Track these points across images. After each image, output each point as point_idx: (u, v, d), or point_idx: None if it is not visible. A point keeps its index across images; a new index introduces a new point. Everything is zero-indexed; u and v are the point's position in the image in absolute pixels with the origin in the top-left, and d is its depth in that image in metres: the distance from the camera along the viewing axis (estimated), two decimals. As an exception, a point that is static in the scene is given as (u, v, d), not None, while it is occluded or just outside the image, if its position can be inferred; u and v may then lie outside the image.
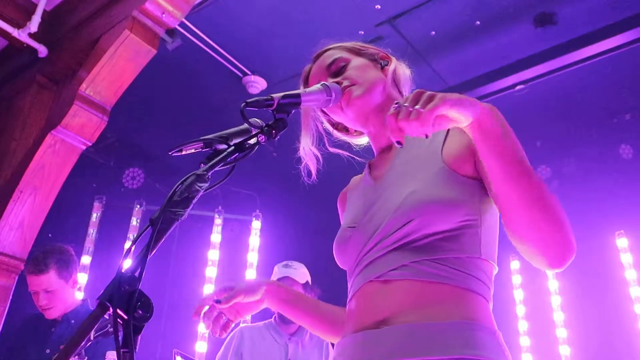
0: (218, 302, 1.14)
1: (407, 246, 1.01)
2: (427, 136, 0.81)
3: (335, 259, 1.19)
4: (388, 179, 1.15)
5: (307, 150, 1.28)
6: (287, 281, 2.97)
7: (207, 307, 1.18)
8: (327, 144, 1.32)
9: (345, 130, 1.35)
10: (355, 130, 1.34)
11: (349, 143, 1.36)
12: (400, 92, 1.29)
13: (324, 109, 1.27)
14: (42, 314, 2.72)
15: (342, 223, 1.24)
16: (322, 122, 1.32)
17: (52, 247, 2.76)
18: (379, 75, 1.24)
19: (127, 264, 0.77)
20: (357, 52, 1.27)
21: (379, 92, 1.22)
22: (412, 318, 0.95)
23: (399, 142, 0.82)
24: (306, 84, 1.30)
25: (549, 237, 0.91)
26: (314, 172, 1.28)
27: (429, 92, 0.83)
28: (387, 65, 1.27)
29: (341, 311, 1.24)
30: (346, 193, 1.35)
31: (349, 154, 1.37)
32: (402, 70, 1.31)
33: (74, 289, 2.79)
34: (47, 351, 2.63)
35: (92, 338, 2.60)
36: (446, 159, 1.07)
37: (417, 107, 0.81)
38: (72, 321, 2.71)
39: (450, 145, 1.10)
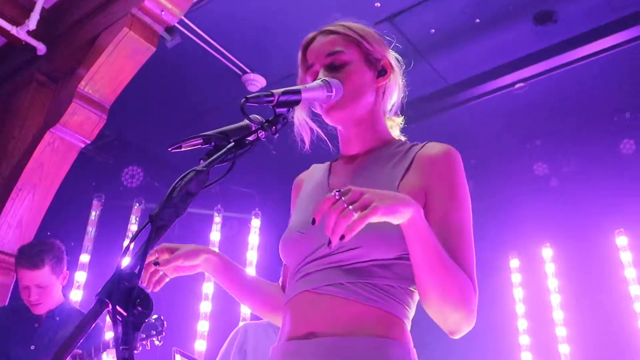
0: (156, 264, 1.16)
1: (346, 267, 1.07)
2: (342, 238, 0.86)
3: (280, 253, 1.22)
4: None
5: (301, 120, 1.28)
6: None
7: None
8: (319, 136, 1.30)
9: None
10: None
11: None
12: (384, 103, 1.28)
13: None
14: (25, 306, 2.67)
15: (291, 216, 1.26)
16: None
17: (45, 242, 2.71)
18: (371, 86, 1.22)
19: (126, 260, 0.76)
20: (362, 52, 1.22)
21: (364, 105, 1.21)
22: (336, 332, 1.03)
23: (329, 243, 0.87)
24: (304, 53, 1.26)
25: (449, 316, 1.03)
26: (307, 142, 1.29)
27: (366, 196, 0.88)
28: (384, 75, 1.24)
29: (276, 291, 1.32)
30: (303, 180, 1.35)
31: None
32: (397, 85, 1.28)
33: (62, 285, 2.76)
34: (32, 347, 2.59)
35: (110, 345, 2.60)
36: (400, 191, 1.10)
37: (351, 207, 0.86)
38: (57, 318, 2.68)
39: (409, 180, 1.13)
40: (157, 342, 2.60)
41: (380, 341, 1.02)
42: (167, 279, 1.21)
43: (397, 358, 1.02)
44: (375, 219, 0.87)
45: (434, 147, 1.17)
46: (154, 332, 2.59)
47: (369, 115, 1.23)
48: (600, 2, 3.29)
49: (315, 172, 1.33)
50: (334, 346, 1.02)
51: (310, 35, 1.27)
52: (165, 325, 2.62)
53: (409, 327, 1.10)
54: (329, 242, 0.87)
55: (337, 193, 0.87)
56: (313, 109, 1.27)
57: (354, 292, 1.05)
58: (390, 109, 1.31)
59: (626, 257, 4.17)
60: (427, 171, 1.13)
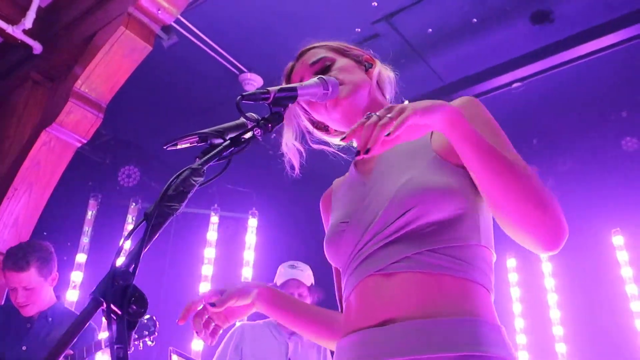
0: (212, 305, 1.11)
1: (407, 236, 0.98)
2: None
3: (327, 256, 1.16)
4: (378, 171, 1.12)
5: (289, 145, 1.26)
6: (294, 282, 2.96)
7: (200, 307, 1.15)
8: (309, 141, 1.30)
9: (325, 129, 1.32)
10: (336, 130, 1.31)
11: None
12: (383, 96, 1.28)
13: (306, 107, 1.26)
14: (14, 308, 2.66)
15: (330, 222, 1.20)
16: (302, 120, 1.30)
17: (32, 243, 2.70)
18: (364, 77, 1.23)
19: (121, 259, 0.76)
20: (342, 53, 1.26)
21: (365, 94, 1.21)
22: (416, 314, 0.93)
23: (367, 151, 0.82)
24: (288, 81, 1.28)
25: (537, 224, 0.92)
26: (297, 167, 1.26)
27: (400, 105, 0.85)
28: (371, 67, 1.26)
29: (336, 314, 1.22)
30: (330, 195, 1.32)
31: (343, 155, 1.35)
32: (387, 73, 1.30)
33: (52, 286, 2.75)
34: (24, 348, 2.59)
35: (102, 346, 2.58)
36: (436, 148, 1.06)
37: (389, 115, 0.83)
38: (50, 319, 2.67)
39: (439, 136, 1.08)
40: (149, 343, 2.60)
41: (468, 321, 0.92)
42: (221, 331, 1.17)
43: (491, 341, 0.91)
44: (414, 120, 0.83)
45: (453, 102, 1.11)
46: (147, 333, 2.58)
47: (372, 105, 1.22)
48: (597, 1, 3.30)
49: (340, 181, 1.32)
50: (416, 331, 0.91)
51: (290, 64, 1.30)
52: (157, 325, 2.61)
53: (492, 298, 1.00)
54: (361, 153, 0.81)
55: (368, 114, 0.85)
56: (314, 116, 1.26)
57: (425, 263, 0.95)
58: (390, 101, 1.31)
59: (622, 256, 4.18)
60: None
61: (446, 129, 0.90)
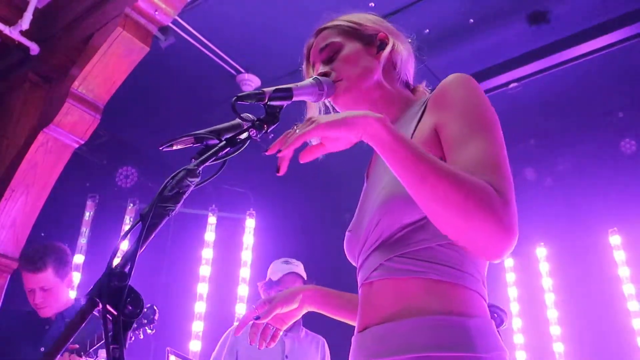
0: (257, 318, 1.20)
1: (382, 245, 1.02)
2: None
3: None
4: (373, 177, 1.18)
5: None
6: (293, 276, 2.97)
7: (250, 323, 1.24)
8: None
9: None
10: None
11: None
12: (399, 74, 1.24)
13: None
14: (34, 311, 2.69)
15: None
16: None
17: (49, 244, 2.74)
18: (371, 64, 1.19)
19: (117, 259, 0.76)
20: (354, 34, 1.22)
21: (369, 84, 1.18)
22: (383, 319, 0.97)
23: (277, 170, 0.89)
24: (308, 60, 1.28)
25: (470, 229, 0.86)
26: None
27: (313, 118, 0.89)
28: (383, 48, 1.21)
29: None
30: None
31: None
32: (400, 50, 1.24)
33: (69, 287, 2.77)
34: (42, 349, 2.61)
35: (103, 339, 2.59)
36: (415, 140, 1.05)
37: (297, 130, 0.88)
38: (67, 320, 2.69)
39: (422, 125, 1.06)
40: (149, 331, 2.60)
41: (429, 320, 0.91)
42: (281, 332, 1.26)
43: (450, 338, 0.89)
44: (316, 134, 0.88)
45: (444, 81, 1.07)
46: (146, 321, 2.59)
47: (382, 92, 1.20)
48: (593, 2, 3.30)
49: None
50: (379, 336, 0.96)
51: (309, 42, 1.29)
52: (157, 313, 2.61)
53: (475, 288, 0.96)
54: (279, 169, 0.89)
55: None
56: (326, 103, 1.26)
57: (393, 269, 0.98)
58: (411, 78, 1.30)
59: (619, 256, 4.19)
60: (437, 105, 1.04)
61: (367, 140, 0.91)
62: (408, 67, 1.27)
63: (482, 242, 0.87)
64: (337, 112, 1.25)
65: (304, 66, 1.30)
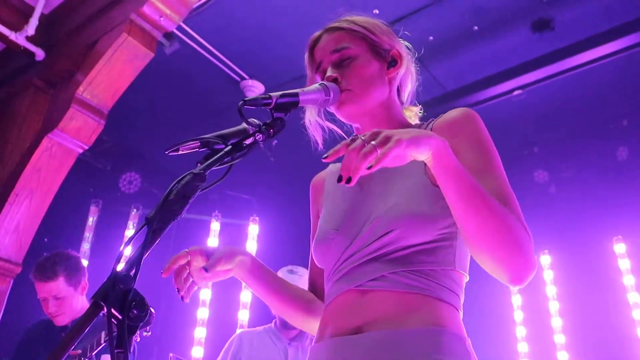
0: (206, 270, 1.10)
1: (385, 257, 1.03)
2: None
3: (314, 257, 1.19)
4: (372, 185, 1.14)
5: (312, 121, 1.27)
6: None
7: (183, 262, 1.12)
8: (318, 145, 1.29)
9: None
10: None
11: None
12: (399, 96, 1.26)
13: None
14: (49, 321, 2.71)
15: (321, 222, 1.22)
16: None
17: (59, 253, 2.76)
18: (382, 83, 1.20)
19: (122, 263, 0.76)
20: (369, 46, 1.20)
21: (374, 97, 1.19)
22: (386, 325, 0.99)
23: (348, 180, 0.80)
24: (311, 53, 1.25)
25: (505, 263, 0.94)
26: (320, 142, 1.27)
27: (385, 132, 0.83)
28: (394, 66, 1.22)
29: (309, 294, 1.28)
30: (322, 182, 1.32)
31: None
32: (410, 73, 1.26)
33: (82, 295, 2.78)
34: None
35: (102, 342, 2.60)
36: (428, 171, 1.06)
37: (373, 143, 0.81)
38: None
39: None
40: (145, 333, 2.60)
41: (432, 330, 0.97)
42: (196, 288, 1.15)
43: (450, 347, 0.96)
44: (399, 152, 0.81)
45: (450, 113, 1.14)
46: (142, 324, 2.58)
47: (383, 108, 1.21)
48: (598, 10, 3.31)
49: (337, 172, 1.28)
50: (385, 339, 0.97)
51: (316, 34, 1.26)
52: (153, 315, 2.60)
53: (461, 315, 1.05)
54: (343, 180, 0.80)
55: (353, 137, 0.84)
56: (327, 109, 1.25)
57: (398, 282, 1.01)
58: (407, 99, 1.30)
59: (624, 264, 4.16)
60: (448, 134, 1.05)
61: (431, 162, 0.90)
62: (410, 89, 1.29)
63: (511, 273, 0.95)
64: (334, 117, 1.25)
65: (306, 57, 1.27)
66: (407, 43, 1.29)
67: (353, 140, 0.83)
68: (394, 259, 1.02)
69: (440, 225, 1.03)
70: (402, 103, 1.29)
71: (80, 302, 2.75)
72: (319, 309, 1.24)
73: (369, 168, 0.80)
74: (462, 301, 1.06)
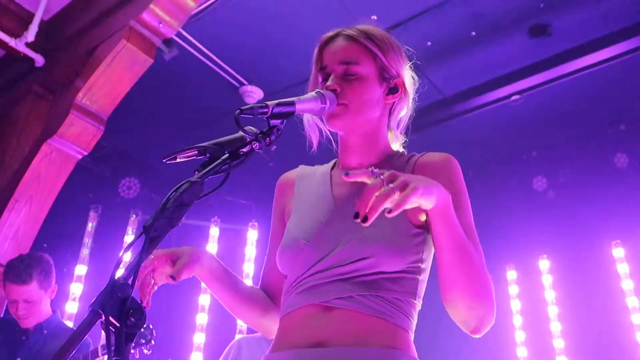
0: (173, 278, 1.07)
1: (355, 279, 1.08)
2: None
3: (279, 262, 1.19)
4: (349, 205, 1.14)
5: (310, 122, 1.28)
6: None
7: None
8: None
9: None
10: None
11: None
12: (390, 119, 1.27)
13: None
14: (14, 320, 2.65)
15: (290, 229, 1.21)
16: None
17: (33, 255, 2.68)
18: (378, 102, 1.21)
19: (120, 271, 0.76)
20: (378, 68, 1.21)
21: (367, 119, 1.20)
22: (346, 342, 1.03)
23: (364, 219, 0.84)
24: (320, 55, 1.25)
25: (474, 312, 1.03)
26: (315, 143, 1.29)
27: (403, 178, 0.87)
28: (394, 93, 1.23)
29: (260, 292, 1.28)
30: (293, 182, 1.32)
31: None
32: (406, 104, 1.27)
33: (51, 298, 2.74)
34: (18, 359, 2.59)
35: (99, 355, 2.58)
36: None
37: (391, 185, 0.85)
38: (45, 331, 2.65)
39: None
40: (145, 351, 2.59)
41: (390, 352, 1.04)
42: (156, 287, 1.10)
43: None
44: (414, 199, 0.86)
45: (433, 155, 1.21)
46: (143, 341, 2.58)
47: (372, 130, 1.23)
48: (594, 15, 3.32)
49: (310, 177, 1.30)
50: (348, 355, 1.03)
51: (330, 34, 1.26)
52: (154, 334, 2.60)
53: (412, 339, 1.13)
54: (360, 217, 0.83)
55: (374, 171, 0.88)
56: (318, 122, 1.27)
57: (364, 304, 1.06)
58: (397, 126, 1.30)
59: (623, 268, 4.17)
60: (431, 174, 1.08)
61: (435, 213, 0.96)
62: (402, 116, 1.30)
63: (481, 322, 1.05)
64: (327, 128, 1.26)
65: (315, 52, 1.26)
66: (413, 74, 1.30)
67: (372, 173, 0.87)
68: (364, 282, 1.07)
69: (410, 259, 1.09)
70: (389, 127, 1.29)
71: (46, 306, 2.71)
72: (273, 311, 1.25)
73: (388, 212, 0.83)
74: (414, 325, 1.14)
